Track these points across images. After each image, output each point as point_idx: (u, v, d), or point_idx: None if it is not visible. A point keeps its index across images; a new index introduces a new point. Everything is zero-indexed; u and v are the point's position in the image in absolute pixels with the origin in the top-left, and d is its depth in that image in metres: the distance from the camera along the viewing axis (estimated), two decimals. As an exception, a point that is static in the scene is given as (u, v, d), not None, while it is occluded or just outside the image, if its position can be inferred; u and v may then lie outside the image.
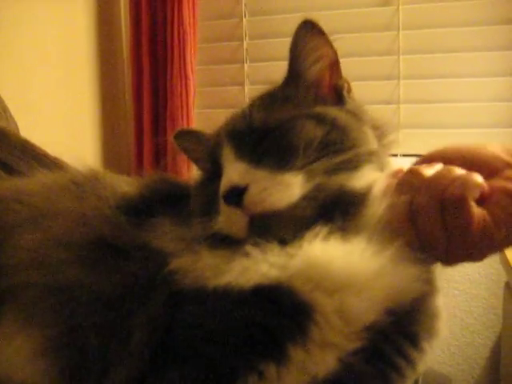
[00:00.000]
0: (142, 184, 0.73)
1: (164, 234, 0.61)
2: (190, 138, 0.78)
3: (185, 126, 2.02)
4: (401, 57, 2.02)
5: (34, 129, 1.13)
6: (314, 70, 0.67)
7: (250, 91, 2.21)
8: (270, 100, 0.66)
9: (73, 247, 0.62)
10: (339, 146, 0.59)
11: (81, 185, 0.73)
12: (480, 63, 1.95)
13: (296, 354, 0.51)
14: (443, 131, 1.98)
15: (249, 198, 0.56)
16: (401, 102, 2.02)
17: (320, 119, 0.61)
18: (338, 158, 0.58)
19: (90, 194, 0.71)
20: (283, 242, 0.55)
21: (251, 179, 0.57)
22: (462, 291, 1.88)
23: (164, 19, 2.11)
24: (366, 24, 2.02)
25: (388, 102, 2.02)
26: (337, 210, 0.57)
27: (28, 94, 1.83)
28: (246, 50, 2.23)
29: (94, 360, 0.55)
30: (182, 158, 2.30)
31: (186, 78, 2.07)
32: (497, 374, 1.79)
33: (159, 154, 2.16)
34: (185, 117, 2.08)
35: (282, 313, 0.52)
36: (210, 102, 2.26)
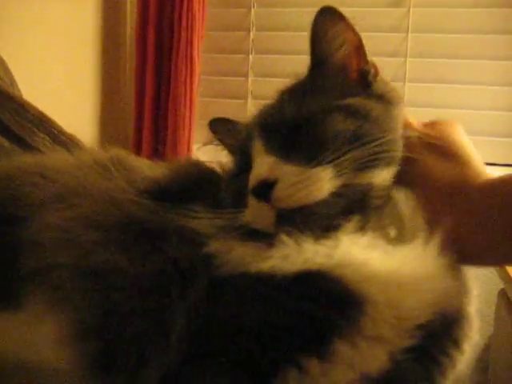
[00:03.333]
0: (171, 168, 0.71)
1: (199, 219, 0.59)
2: (224, 126, 0.76)
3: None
4: (408, 59, 2.02)
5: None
6: (340, 55, 0.65)
7: (253, 83, 2.19)
8: (299, 92, 0.65)
9: (104, 228, 0.60)
10: (369, 138, 0.58)
11: (105, 166, 0.71)
12: (485, 71, 1.96)
13: (343, 348, 0.49)
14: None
15: (277, 192, 0.55)
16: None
17: (350, 111, 0.60)
18: (367, 151, 0.57)
19: (116, 176, 0.69)
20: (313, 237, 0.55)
21: (280, 173, 0.56)
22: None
23: (172, 2, 2.07)
24: (376, 24, 2.01)
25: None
26: (364, 206, 0.57)
27: (28, 74, 1.78)
28: (253, 40, 2.21)
29: (130, 349, 0.53)
30: (182, 146, 2.24)
31: (192, 63, 2.04)
32: (485, 381, 1.81)
33: (158, 141, 2.14)
34: (188, 104, 2.05)
35: (329, 302, 0.50)
36: (212, 91, 2.23)
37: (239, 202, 0.60)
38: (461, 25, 1.97)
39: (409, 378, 0.51)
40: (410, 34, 2.01)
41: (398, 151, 0.59)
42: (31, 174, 0.68)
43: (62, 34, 1.96)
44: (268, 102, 0.69)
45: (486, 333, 1.85)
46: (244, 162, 0.64)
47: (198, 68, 2.08)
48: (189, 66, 2.05)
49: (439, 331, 0.52)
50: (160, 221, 0.60)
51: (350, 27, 0.65)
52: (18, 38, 1.75)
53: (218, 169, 0.73)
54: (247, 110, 2.17)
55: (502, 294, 1.57)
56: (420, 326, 0.51)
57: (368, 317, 0.50)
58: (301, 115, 0.61)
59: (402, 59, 2.02)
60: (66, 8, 1.97)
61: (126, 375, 0.52)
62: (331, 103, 0.61)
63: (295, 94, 0.65)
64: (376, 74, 0.67)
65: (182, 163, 0.75)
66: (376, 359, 0.50)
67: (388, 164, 0.58)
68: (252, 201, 0.57)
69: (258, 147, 0.61)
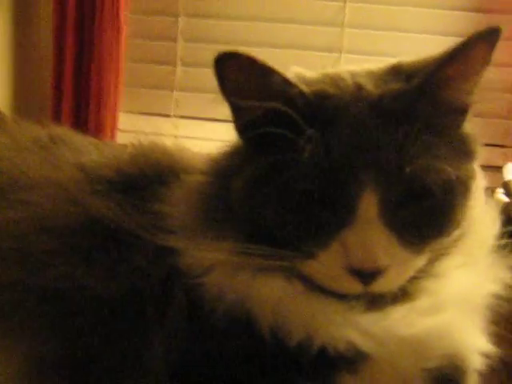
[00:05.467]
0: (135, 154, 0.60)
1: (181, 232, 0.50)
2: (248, 70, 0.50)
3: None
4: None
5: None
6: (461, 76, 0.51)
7: (182, 48, 2.06)
8: (416, 121, 0.49)
9: (62, 233, 0.49)
10: (458, 225, 0.52)
11: (46, 147, 0.60)
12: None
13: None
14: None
15: (381, 282, 0.48)
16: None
17: (464, 189, 0.51)
18: (447, 244, 0.52)
19: (62, 160, 0.58)
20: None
21: (392, 262, 0.47)
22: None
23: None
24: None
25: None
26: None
27: None
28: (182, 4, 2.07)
29: (101, 380, 0.45)
30: (108, 114, 2.06)
31: (119, 27, 1.88)
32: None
33: (80, 109, 1.97)
34: (113, 70, 1.90)
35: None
36: (140, 55, 2.08)
37: (294, 235, 0.49)
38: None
39: None
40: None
41: None
42: None
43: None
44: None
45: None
46: (319, 188, 0.48)
47: (124, 32, 1.92)
48: (115, 30, 1.88)
49: (450, 377, 0.51)
50: (130, 222, 0.50)
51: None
52: None
53: (197, 157, 0.63)
54: (176, 76, 2.06)
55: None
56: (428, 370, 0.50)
57: (367, 369, 0.49)
58: (428, 178, 0.48)
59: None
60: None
61: None
62: (457, 167, 0.50)
63: (412, 127, 0.48)
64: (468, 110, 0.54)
65: (145, 147, 0.63)
66: None
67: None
68: (339, 270, 0.48)
69: (370, 204, 0.47)
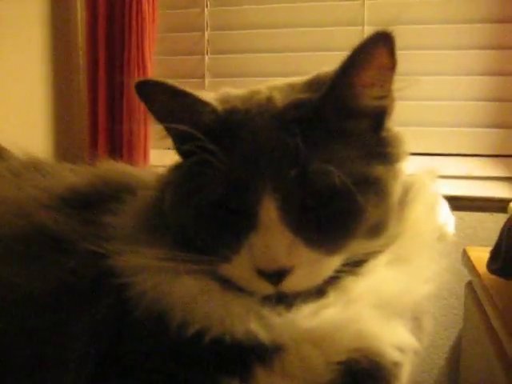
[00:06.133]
0: (93, 174, 0.65)
1: (118, 238, 0.54)
2: (163, 93, 0.55)
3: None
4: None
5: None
6: (365, 78, 0.52)
7: (210, 84, 2.14)
8: (316, 131, 0.51)
9: (7, 241, 0.55)
10: (385, 229, 0.54)
11: (17, 174, 0.66)
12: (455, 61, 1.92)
13: (261, 377, 0.50)
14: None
15: (289, 282, 0.50)
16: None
17: (378, 189, 0.52)
18: (377, 245, 0.53)
19: (28, 183, 0.63)
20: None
21: (297, 261, 0.50)
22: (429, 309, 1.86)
23: (122, 6, 2.01)
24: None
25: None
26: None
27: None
28: (208, 41, 2.16)
29: (21, 375, 0.48)
30: (137, 150, 2.15)
31: (144, 67, 1.98)
32: (456, 374, 1.79)
33: (115, 149, 2.08)
34: (142, 111, 1.99)
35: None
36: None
37: (210, 240, 0.52)
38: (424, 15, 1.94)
39: None
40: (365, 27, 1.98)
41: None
42: None
43: (12, 53, 1.90)
44: (262, 100, 0.55)
45: (456, 325, 1.84)
46: (226, 195, 0.52)
47: (150, 73, 2.02)
48: (141, 71, 1.99)
49: (367, 372, 0.51)
50: (71, 231, 0.55)
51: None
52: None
53: (148, 174, 0.68)
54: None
55: (469, 286, 1.56)
56: (340, 363, 0.51)
57: (280, 361, 0.50)
58: (331, 185, 0.50)
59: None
60: (12, 23, 1.91)
61: None
62: (363, 169, 0.51)
63: (313, 133, 0.51)
64: (392, 110, 0.56)
65: (105, 167, 0.69)
66: None
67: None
68: (250, 272, 0.51)
69: (270, 209, 0.50)
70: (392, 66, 0.52)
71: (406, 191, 0.58)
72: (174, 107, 0.54)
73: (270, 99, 0.55)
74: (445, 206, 0.89)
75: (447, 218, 1.14)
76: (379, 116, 0.55)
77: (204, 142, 0.51)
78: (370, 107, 0.54)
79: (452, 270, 1.87)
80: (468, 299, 1.58)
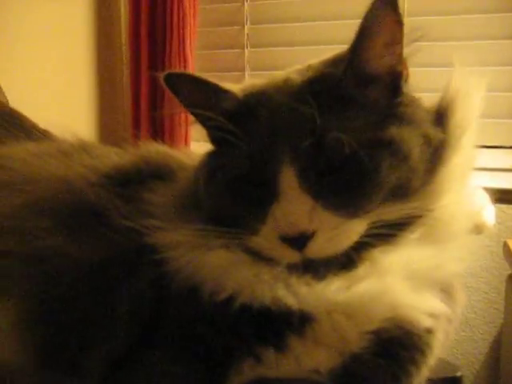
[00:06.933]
0: (136, 155, 0.69)
1: (157, 215, 0.57)
2: (190, 85, 0.59)
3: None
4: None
5: (27, 103, 1.10)
6: (377, 50, 0.54)
7: (250, 77, 2.16)
8: (333, 102, 0.54)
9: (56, 214, 0.59)
10: (409, 190, 0.54)
11: (67, 154, 0.70)
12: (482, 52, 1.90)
13: (296, 344, 0.52)
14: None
15: (313, 247, 0.52)
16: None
17: (394, 150, 0.53)
18: (404, 211, 0.53)
19: (76, 162, 0.67)
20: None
21: (319, 225, 0.51)
22: (462, 285, 1.84)
23: (164, 2, 2.06)
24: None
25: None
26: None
27: (21, 70, 1.79)
28: (247, 34, 2.19)
29: (72, 335, 0.52)
30: (179, 145, 2.20)
31: (185, 61, 2.02)
32: (496, 369, 1.76)
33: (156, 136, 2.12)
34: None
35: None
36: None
37: (240, 215, 0.55)
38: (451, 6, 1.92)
39: (370, 369, 0.53)
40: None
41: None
42: None
43: (54, 37, 1.97)
44: (280, 83, 0.58)
45: (496, 320, 1.81)
46: (254, 173, 0.54)
47: (191, 66, 2.06)
48: (182, 64, 2.03)
49: (400, 340, 0.53)
50: (114, 208, 0.59)
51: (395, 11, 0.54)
52: (10, 42, 1.75)
53: (187, 157, 0.71)
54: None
55: (511, 280, 1.53)
56: (372, 332, 0.52)
57: (312, 331, 0.52)
58: (344, 145, 0.51)
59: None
60: (56, 13, 1.98)
61: (68, 364, 0.51)
62: (377, 133, 0.53)
63: (329, 104, 0.53)
64: (406, 78, 0.58)
65: (148, 149, 0.72)
66: (322, 359, 0.53)
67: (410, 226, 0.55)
68: (276, 241, 0.53)
69: (289, 178, 0.52)
70: (399, 25, 0.54)
71: (445, 109, 0.60)
72: (197, 95, 0.58)
73: (287, 79, 0.58)
74: (485, 197, 0.89)
75: (488, 209, 1.13)
76: (395, 81, 0.57)
77: (224, 124, 0.54)
78: (385, 70, 0.56)
79: (492, 263, 1.86)
80: (509, 293, 1.55)
